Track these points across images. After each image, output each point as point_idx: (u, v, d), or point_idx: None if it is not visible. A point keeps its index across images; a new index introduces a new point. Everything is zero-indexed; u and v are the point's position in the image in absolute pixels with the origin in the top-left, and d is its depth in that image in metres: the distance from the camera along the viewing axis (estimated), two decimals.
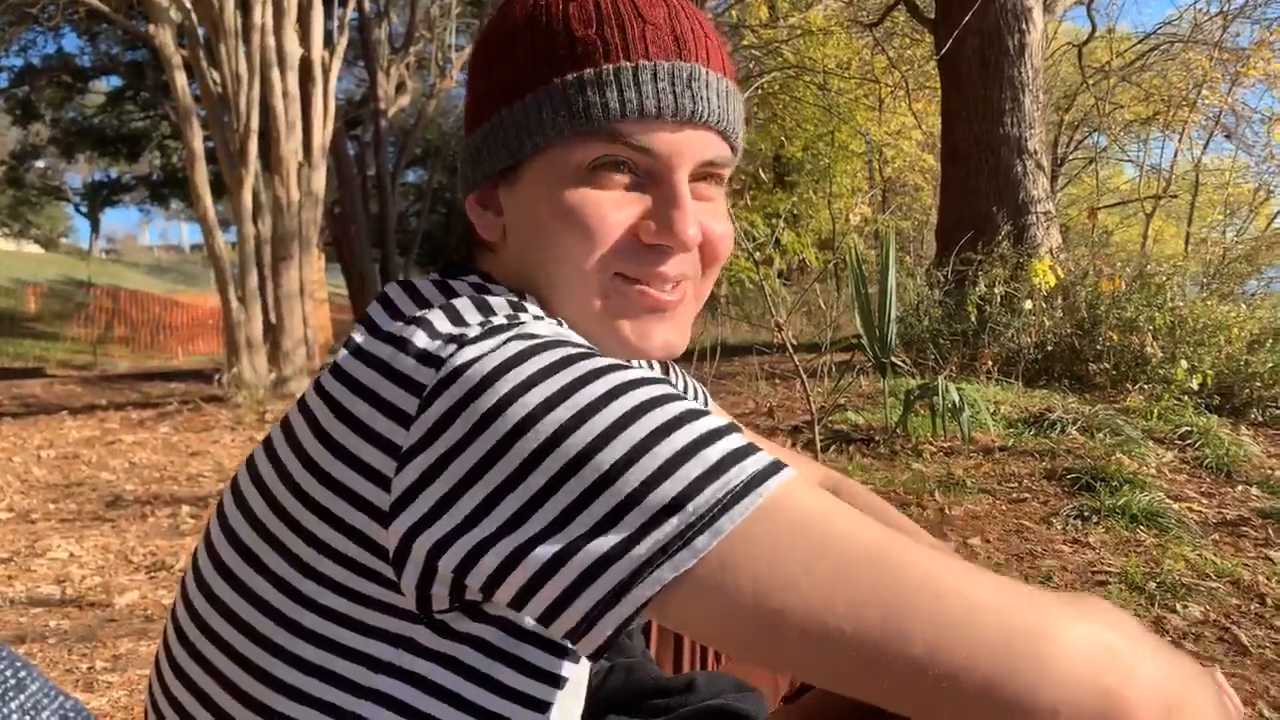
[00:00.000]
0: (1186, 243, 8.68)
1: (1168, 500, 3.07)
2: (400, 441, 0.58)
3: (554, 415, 0.54)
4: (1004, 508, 3.10)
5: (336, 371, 0.64)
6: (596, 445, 0.54)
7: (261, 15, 7.87)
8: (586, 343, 0.65)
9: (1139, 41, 12.30)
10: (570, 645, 0.60)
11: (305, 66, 8.60)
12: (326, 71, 8.98)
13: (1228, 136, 10.38)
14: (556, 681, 0.68)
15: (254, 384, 7.64)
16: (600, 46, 0.68)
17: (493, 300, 0.66)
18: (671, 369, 1.08)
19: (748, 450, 0.55)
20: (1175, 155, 9.54)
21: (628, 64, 0.67)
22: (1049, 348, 5.76)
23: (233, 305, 7.81)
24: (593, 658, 0.55)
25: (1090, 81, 11.89)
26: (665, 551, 0.51)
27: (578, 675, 0.72)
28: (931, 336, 6.12)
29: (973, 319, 5.90)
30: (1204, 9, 10.86)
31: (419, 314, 0.64)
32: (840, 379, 5.19)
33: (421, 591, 0.60)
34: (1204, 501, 3.24)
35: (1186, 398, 4.65)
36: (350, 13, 10.91)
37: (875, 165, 13.61)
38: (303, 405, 0.67)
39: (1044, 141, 7.78)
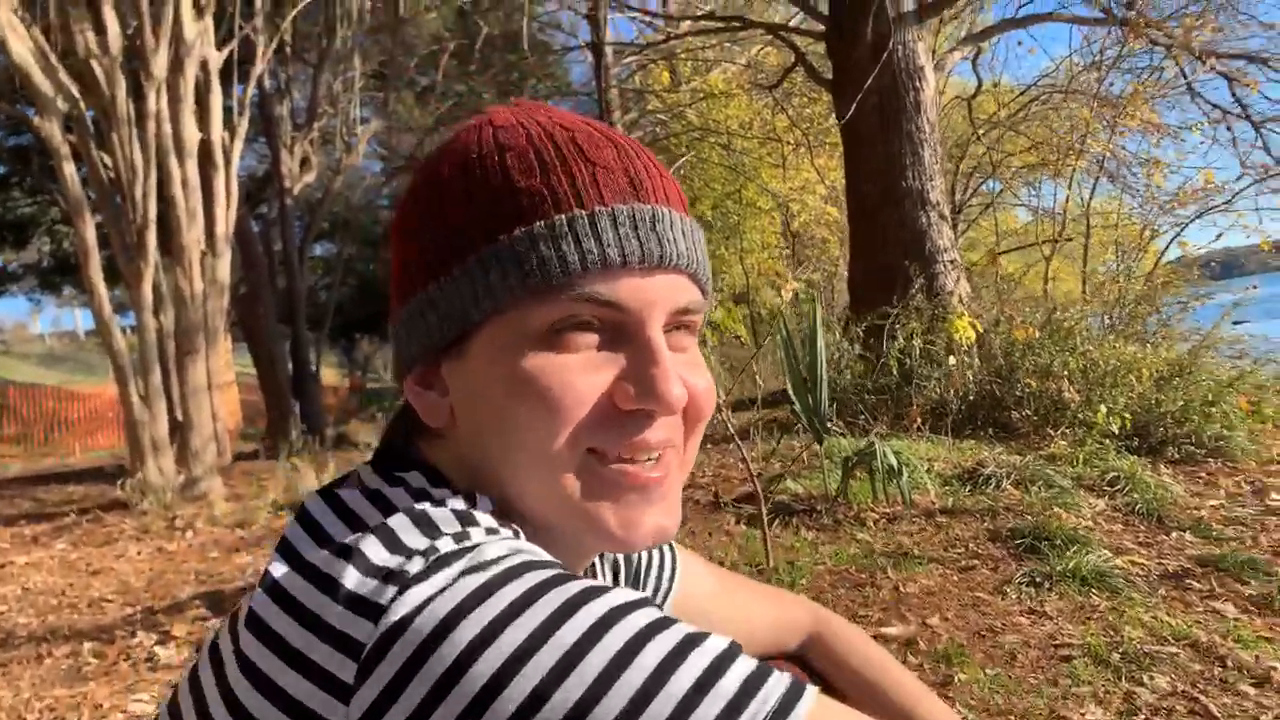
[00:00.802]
0: (1084, 283, 9.04)
1: (1113, 556, 3.09)
2: None
3: (531, 668, 0.44)
4: (956, 579, 3.06)
5: (254, 623, 0.52)
6: (591, 699, 0.44)
7: (156, 101, 7.60)
8: (547, 556, 0.55)
9: (1021, 93, 12.99)
10: None
11: (205, 149, 8.33)
12: (228, 154, 8.72)
13: (1111, 180, 10.95)
14: None
15: (161, 488, 7.19)
16: (548, 196, 0.59)
17: (434, 514, 0.55)
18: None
19: (762, 674, 0.47)
20: (1066, 200, 10.00)
21: (582, 212, 0.59)
22: (970, 398, 5.87)
23: (134, 404, 7.38)
24: None
25: (980, 132, 12.49)
26: None
27: None
28: (856, 391, 6.18)
29: (895, 373, 5.98)
30: (1078, 62, 11.54)
31: (347, 541, 0.52)
32: (776, 444, 5.16)
33: None
34: (1144, 552, 3.28)
35: (1107, 440, 4.77)
36: (250, 91, 10.68)
37: (789, 219, 13.92)
38: (215, 661, 0.55)
39: (944, 192, 8.06)
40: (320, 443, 10.02)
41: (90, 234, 7.54)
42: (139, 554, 5.71)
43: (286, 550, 0.55)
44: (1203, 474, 4.38)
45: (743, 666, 0.47)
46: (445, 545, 0.52)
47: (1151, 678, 2.26)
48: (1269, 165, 9.42)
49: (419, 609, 0.47)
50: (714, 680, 0.46)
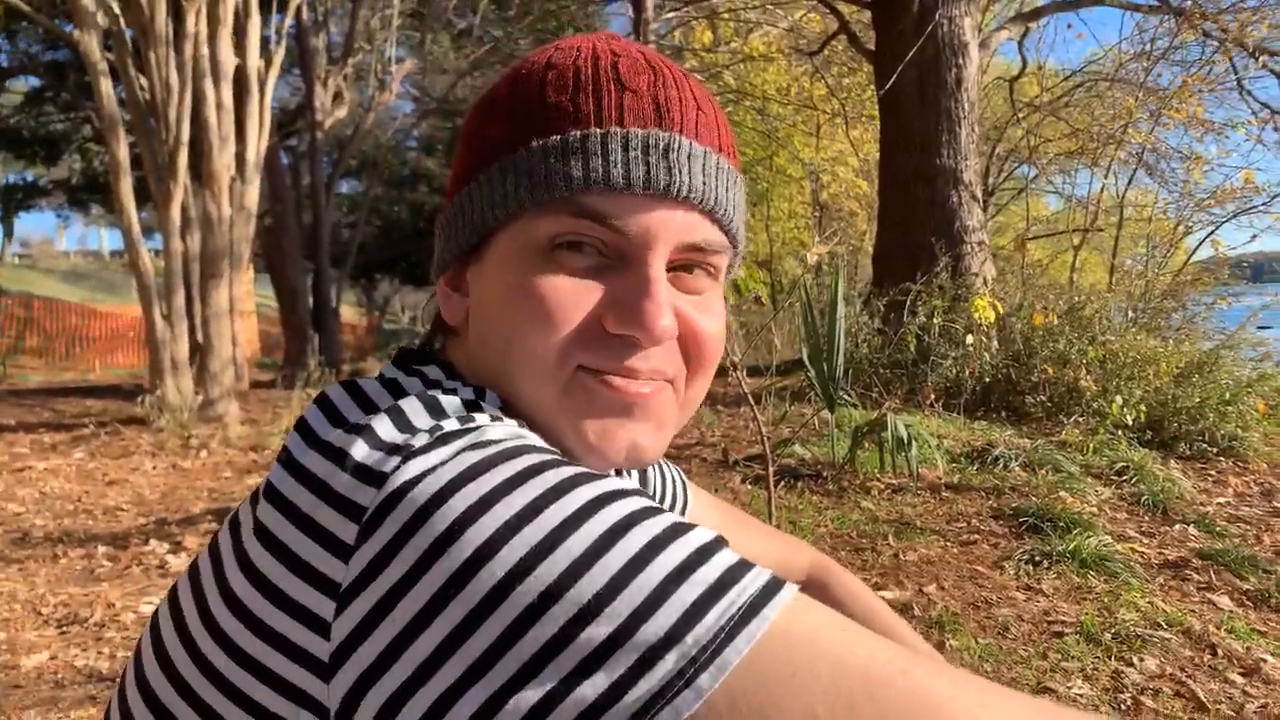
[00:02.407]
0: (1111, 274, 8.95)
1: (1114, 543, 3.10)
2: (339, 578, 0.49)
3: (519, 540, 0.46)
4: (955, 551, 3.09)
5: (269, 492, 0.55)
6: (572, 573, 0.46)
7: (195, 24, 7.58)
8: (550, 448, 0.57)
9: (1066, 79, 12.74)
10: None
11: (240, 76, 8.31)
12: (262, 83, 8.71)
13: (1149, 172, 10.78)
14: None
15: (178, 407, 7.30)
16: (571, 112, 0.61)
17: (444, 400, 0.58)
18: (660, 470, 1.00)
19: (743, 567, 0.48)
20: (1101, 190, 9.87)
21: (597, 130, 0.60)
22: (986, 379, 5.85)
23: (157, 324, 7.46)
24: None
25: (1020, 115, 12.27)
26: (663, 695, 0.43)
27: None
28: (871, 365, 6.18)
29: (912, 349, 5.97)
30: (1126, 50, 11.31)
31: (361, 420, 0.55)
32: (786, 410, 5.19)
33: None
34: (1145, 541, 3.30)
35: (1120, 431, 4.76)
36: (288, 21, 10.62)
37: (818, 190, 13.80)
38: (234, 526, 0.58)
39: (978, 173, 7.96)
40: (337, 376, 10.12)
41: (123, 152, 7.57)
42: (154, 468, 5.83)
43: (303, 429, 0.58)
44: (1213, 472, 4.37)
45: (725, 557, 0.48)
46: (450, 425, 0.54)
47: (1141, 659, 2.29)
48: None
49: (419, 478, 0.49)
50: (695, 567, 0.47)
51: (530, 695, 0.44)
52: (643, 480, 0.98)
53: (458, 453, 0.51)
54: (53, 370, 17.35)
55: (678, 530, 0.49)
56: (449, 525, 0.47)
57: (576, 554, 0.46)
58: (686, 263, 0.64)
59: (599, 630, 0.44)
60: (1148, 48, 10.26)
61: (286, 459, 0.56)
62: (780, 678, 0.44)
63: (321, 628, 0.49)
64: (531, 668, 0.44)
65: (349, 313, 30.81)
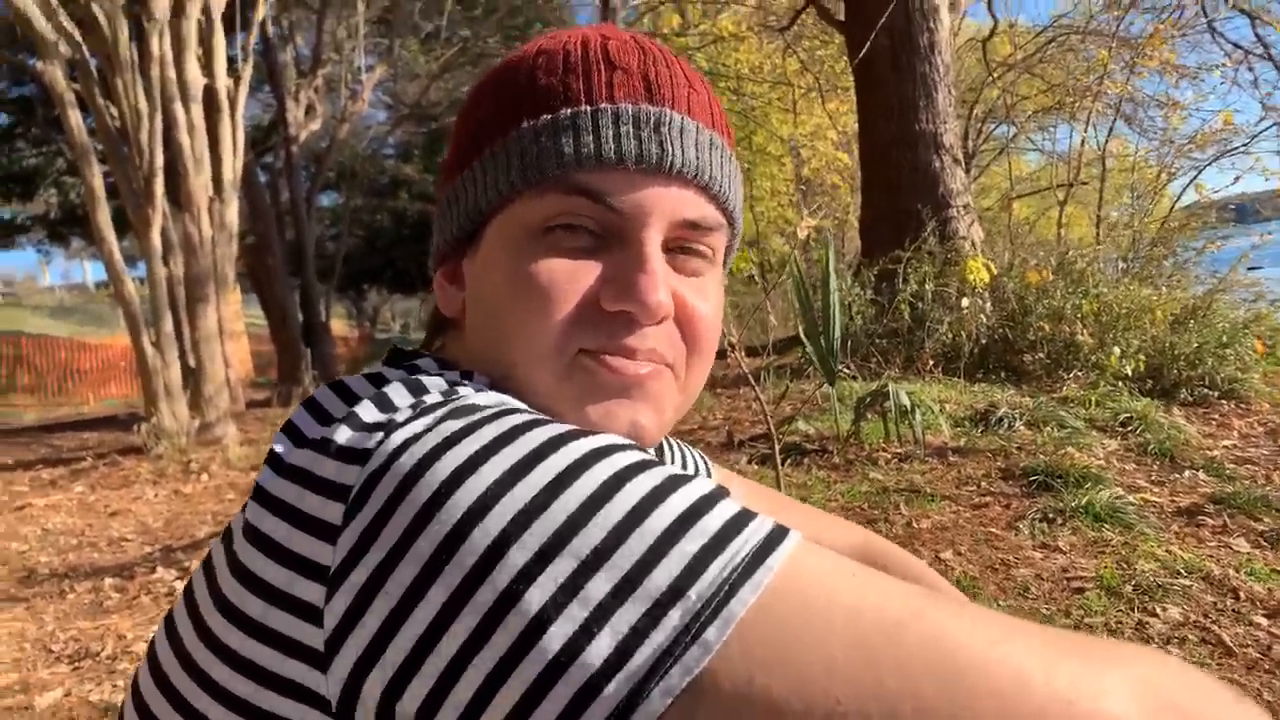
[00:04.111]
0: (1098, 226, 8.95)
1: (1125, 494, 3.09)
2: (327, 561, 0.47)
3: (511, 497, 0.44)
4: (968, 515, 3.08)
5: (257, 493, 0.53)
6: (568, 529, 0.44)
7: (159, 45, 7.49)
8: (540, 413, 0.54)
9: (1038, 34, 12.69)
10: None
11: (210, 96, 8.24)
12: (233, 101, 8.63)
13: (1128, 122, 10.77)
14: None
15: (176, 433, 7.25)
16: (561, 92, 0.60)
17: (427, 381, 0.56)
18: (669, 445, 0.97)
19: (746, 516, 0.46)
20: (1082, 143, 9.85)
21: (587, 107, 0.59)
22: (983, 341, 5.84)
23: (147, 351, 7.40)
24: None
25: (995, 75, 12.23)
26: (671, 653, 0.41)
27: None
28: (867, 336, 6.16)
29: (906, 317, 5.95)
30: (1096, 1, 11.27)
31: (346, 412, 0.53)
32: (786, 387, 5.16)
33: None
34: (1156, 490, 3.29)
35: (1120, 383, 4.75)
36: (254, 37, 10.53)
37: (799, 165, 13.76)
38: (226, 537, 0.56)
39: (958, 135, 7.93)
40: None
41: (98, 181, 7.50)
42: (155, 496, 5.79)
43: (290, 429, 0.56)
44: (1216, 415, 4.37)
45: (727, 508, 0.47)
46: (432, 399, 0.53)
47: (1164, 608, 2.28)
48: None
49: (402, 447, 0.48)
50: (696, 518, 0.45)
51: (535, 660, 0.42)
52: (659, 457, 0.95)
53: (441, 419, 0.49)
54: (46, 406, 17.26)
55: (677, 481, 0.47)
56: (436, 489, 0.45)
57: (573, 508, 0.44)
58: (683, 242, 0.63)
59: (600, 585, 0.43)
60: None
61: (274, 459, 0.54)
62: (793, 627, 0.43)
63: (314, 616, 0.47)
64: (534, 631, 0.42)
65: (339, 325, 30.69)
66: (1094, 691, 0.41)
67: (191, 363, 7.85)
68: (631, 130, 0.59)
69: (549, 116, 0.60)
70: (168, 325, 7.63)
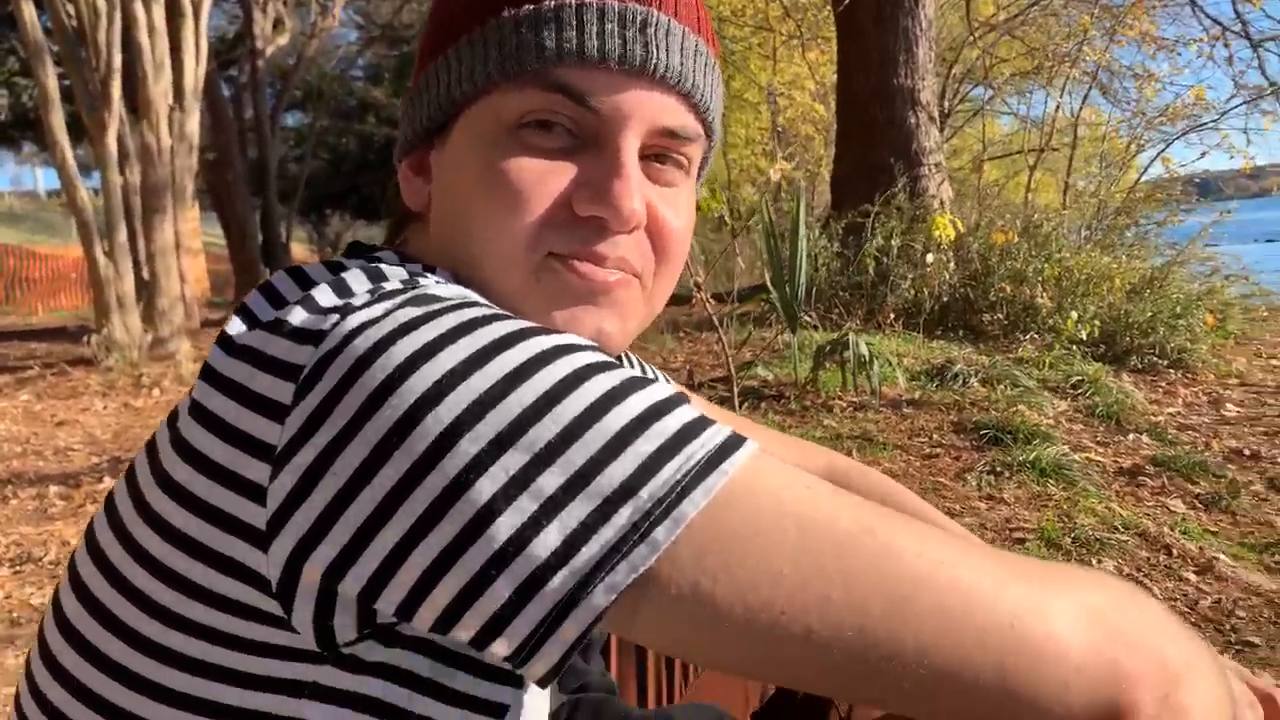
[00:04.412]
0: (1065, 193, 9.03)
1: (1071, 453, 3.18)
2: (274, 440, 0.46)
3: (466, 387, 0.44)
4: (919, 464, 3.14)
5: (205, 372, 0.52)
6: (523, 421, 0.43)
7: None
8: (502, 310, 0.53)
9: None
10: (513, 670, 0.50)
11: None
12: (196, 5, 8.29)
13: (1103, 92, 10.80)
14: (501, 713, 0.55)
15: (127, 345, 7.09)
16: None
17: (387, 269, 0.55)
18: (628, 358, 0.97)
19: (703, 422, 0.46)
20: (1056, 109, 9.87)
21: (571, 1, 0.57)
22: (944, 299, 5.90)
23: (100, 261, 7.19)
24: (541, 683, 0.45)
25: (976, 35, 12.16)
26: (618, 549, 0.42)
27: (531, 705, 0.59)
28: (831, 288, 6.19)
29: (871, 271, 5.98)
30: None
31: (302, 295, 0.52)
32: (749, 333, 5.19)
33: (320, 624, 0.47)
34: (1100, 450, 3.38)
35: (1074, 346, 4.85)
36: None
37: (776, 113, 13.64)
38: (171, 418, 0.55)
39: (935, 93, 7.91)
40: None
41: (52, 82, 7.20)
42: (105, 408, 5.69)
43: (244, 311, 0.54)
44: (1163, 383, 4.48)
45: (686, 412, 0.46)
46: (392, 286, 0.52)
47: (1100, 561, 2.36)
48: (1263, 86, 9.32)
49: (358, 329, 0.46)
50: (654, 419, 0.45)
51: (481, 549, 0.42)
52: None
53: (399, 305, 0.48)
54: None
55: (637, 383, 0.47)
56: (390, 373, 0.44)
57: (529, 401, 0.44)
58: (659, 150, 0.61)
59: (552, 479, 0.42)
60: None
61: (224, 340, 0.52)
62: (743, 535, 0.43)
63: (257, 494, 0.46)
64: (482, 520, 0.42)
65: (300, 250, 30.06)
66: (1038, 615, 0.42)
67: (146, 275, 7.67)
68: (616, 28, 0.57)
69: (531, 7, 0.57)
70: (122, 236, 7.42)
